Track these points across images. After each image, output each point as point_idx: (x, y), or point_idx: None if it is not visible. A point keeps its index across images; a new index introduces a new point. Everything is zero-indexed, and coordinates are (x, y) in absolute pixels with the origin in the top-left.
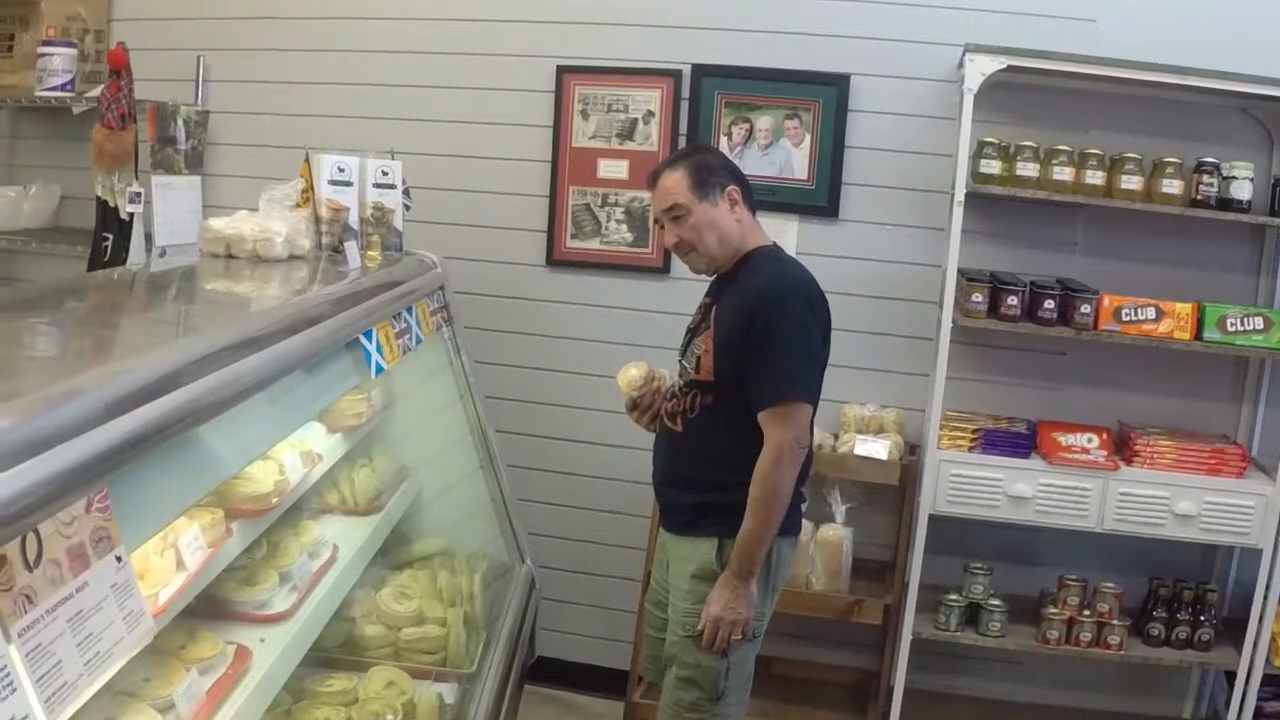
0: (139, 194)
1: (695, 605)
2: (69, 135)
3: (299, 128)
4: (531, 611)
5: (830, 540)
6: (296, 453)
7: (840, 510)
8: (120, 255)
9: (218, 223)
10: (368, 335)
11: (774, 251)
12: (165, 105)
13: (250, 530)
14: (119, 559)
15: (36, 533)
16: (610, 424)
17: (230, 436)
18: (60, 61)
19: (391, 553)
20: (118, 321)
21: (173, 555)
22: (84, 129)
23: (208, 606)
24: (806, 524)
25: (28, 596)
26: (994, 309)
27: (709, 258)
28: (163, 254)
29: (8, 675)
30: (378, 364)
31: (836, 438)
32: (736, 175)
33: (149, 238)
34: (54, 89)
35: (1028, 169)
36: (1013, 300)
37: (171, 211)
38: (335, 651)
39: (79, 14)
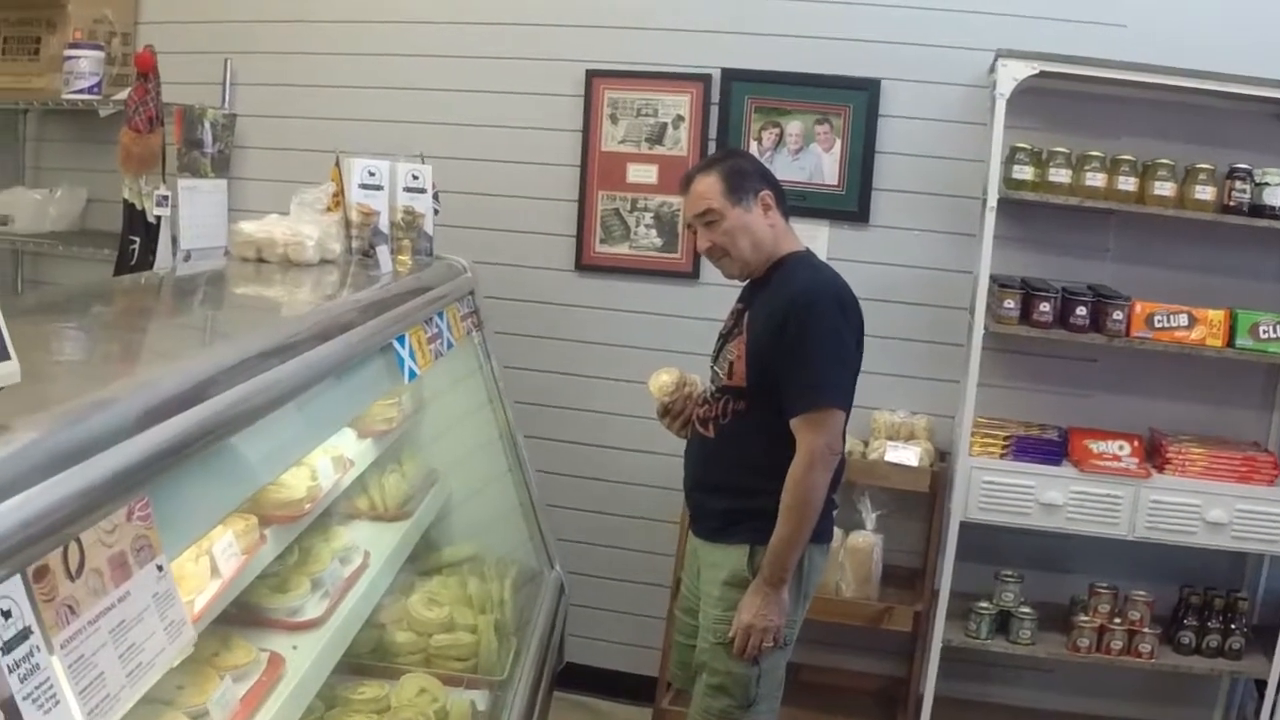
0: (166, 197)
1: (726, 612)
2: (95, 138)
3: (326, 131)
4: (561, 617)
5: (860, 547)
6: (328, 458)
7: (870, 517)
8: (147, 258)
9: (249, 226)
10: (400, 341)
11: (807, 257)
12: (192, 108)
13: (283, 537)
14: (160, 568)
15: (78, 541)
16: (640, 429)
17: (266, 443)
18: (87, 64)
19: (421, 558)
20: (149, 327)
21: (208, 562)
22: (111, 132)
23: (240, 613)
24: (836, 531)
25: (70, 607)
26: (1026, 315)
27: (742, 263)
28: (187, 258)
29: (51, 687)
30: (410, 369)
31: (867, 444)
32: (770, 180)
33: (175, 241)
34: (81, 92)
35: (1060, 175)
36: (1045, 306)
37: (197, 215)
38: (367, 658)
39: (106, 16)
